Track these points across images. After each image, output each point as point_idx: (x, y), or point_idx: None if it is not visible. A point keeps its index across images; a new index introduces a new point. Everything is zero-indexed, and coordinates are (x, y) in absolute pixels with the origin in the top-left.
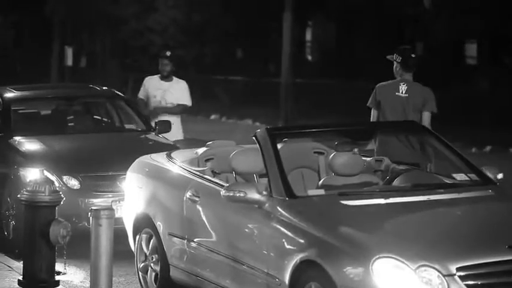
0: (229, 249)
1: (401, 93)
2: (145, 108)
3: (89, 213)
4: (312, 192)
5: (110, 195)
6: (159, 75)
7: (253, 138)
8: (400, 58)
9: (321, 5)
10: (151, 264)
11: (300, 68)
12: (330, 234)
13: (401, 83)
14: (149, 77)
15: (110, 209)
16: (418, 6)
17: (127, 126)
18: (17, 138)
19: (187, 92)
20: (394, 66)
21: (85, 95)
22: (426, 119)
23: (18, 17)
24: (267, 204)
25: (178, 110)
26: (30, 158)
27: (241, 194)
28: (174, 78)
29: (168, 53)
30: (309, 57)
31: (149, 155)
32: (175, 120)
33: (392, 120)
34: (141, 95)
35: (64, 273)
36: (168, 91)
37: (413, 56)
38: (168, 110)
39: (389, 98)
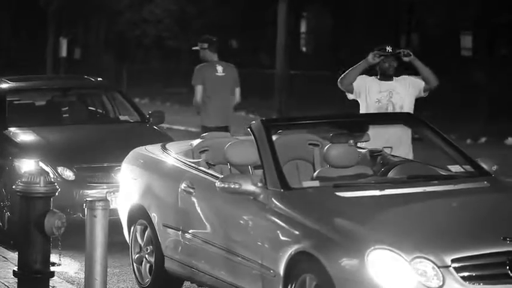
0: (224, 241)
1: (220, 73)
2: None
3: (84, 205)
4: (306, 184)
5: (105, 187)
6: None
7: (248, 129)
8: (207, 44)
9: None
10: (146, 256)
11: (294, 59)
12: (325, 226)
13: (217, 64)
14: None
15: (105, 200)
16: None
17: (121, 117)
18: (12, 129)
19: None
20: (201, 53)
21: (80, 86)
22: (239, 95)
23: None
24: (261, 196)
25: None
26: (25, 149)
27: (236, 186)
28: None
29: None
30: (304, 49)
31: (144, 146)
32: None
33: (388, 112)
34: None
35: (59, 264)
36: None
37: (214, 39)
38: None
39: (210, 77)
